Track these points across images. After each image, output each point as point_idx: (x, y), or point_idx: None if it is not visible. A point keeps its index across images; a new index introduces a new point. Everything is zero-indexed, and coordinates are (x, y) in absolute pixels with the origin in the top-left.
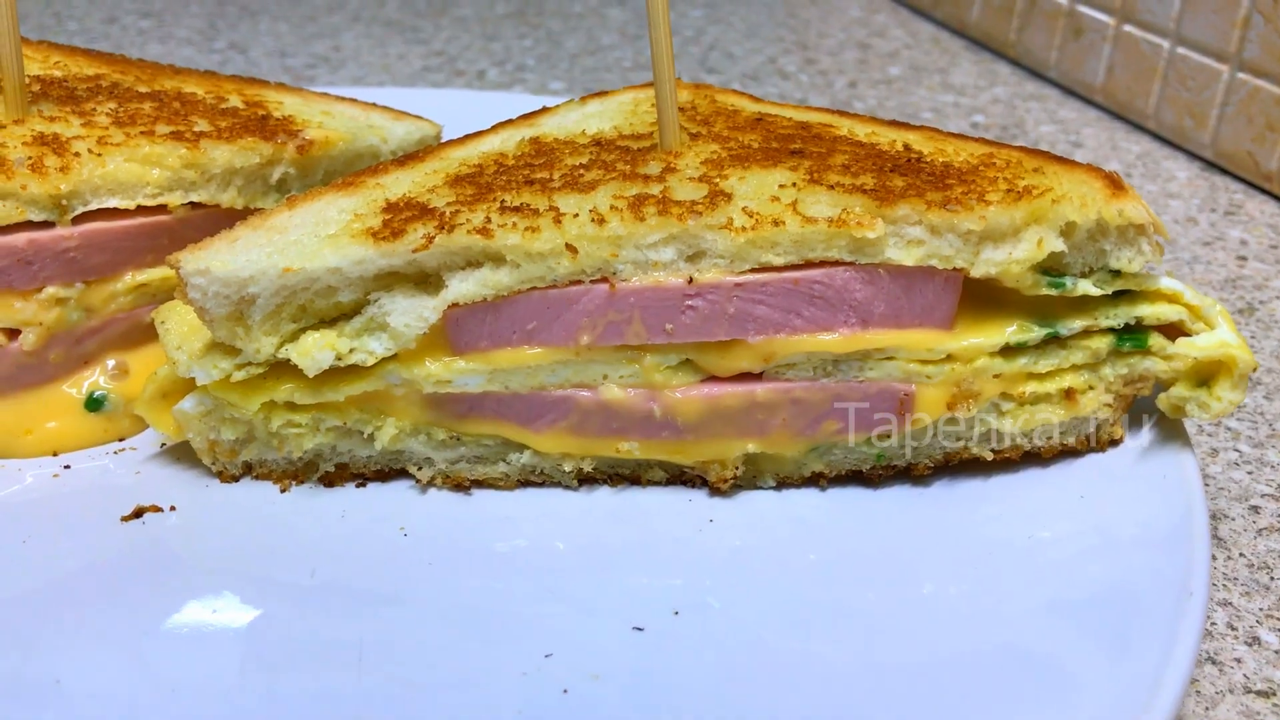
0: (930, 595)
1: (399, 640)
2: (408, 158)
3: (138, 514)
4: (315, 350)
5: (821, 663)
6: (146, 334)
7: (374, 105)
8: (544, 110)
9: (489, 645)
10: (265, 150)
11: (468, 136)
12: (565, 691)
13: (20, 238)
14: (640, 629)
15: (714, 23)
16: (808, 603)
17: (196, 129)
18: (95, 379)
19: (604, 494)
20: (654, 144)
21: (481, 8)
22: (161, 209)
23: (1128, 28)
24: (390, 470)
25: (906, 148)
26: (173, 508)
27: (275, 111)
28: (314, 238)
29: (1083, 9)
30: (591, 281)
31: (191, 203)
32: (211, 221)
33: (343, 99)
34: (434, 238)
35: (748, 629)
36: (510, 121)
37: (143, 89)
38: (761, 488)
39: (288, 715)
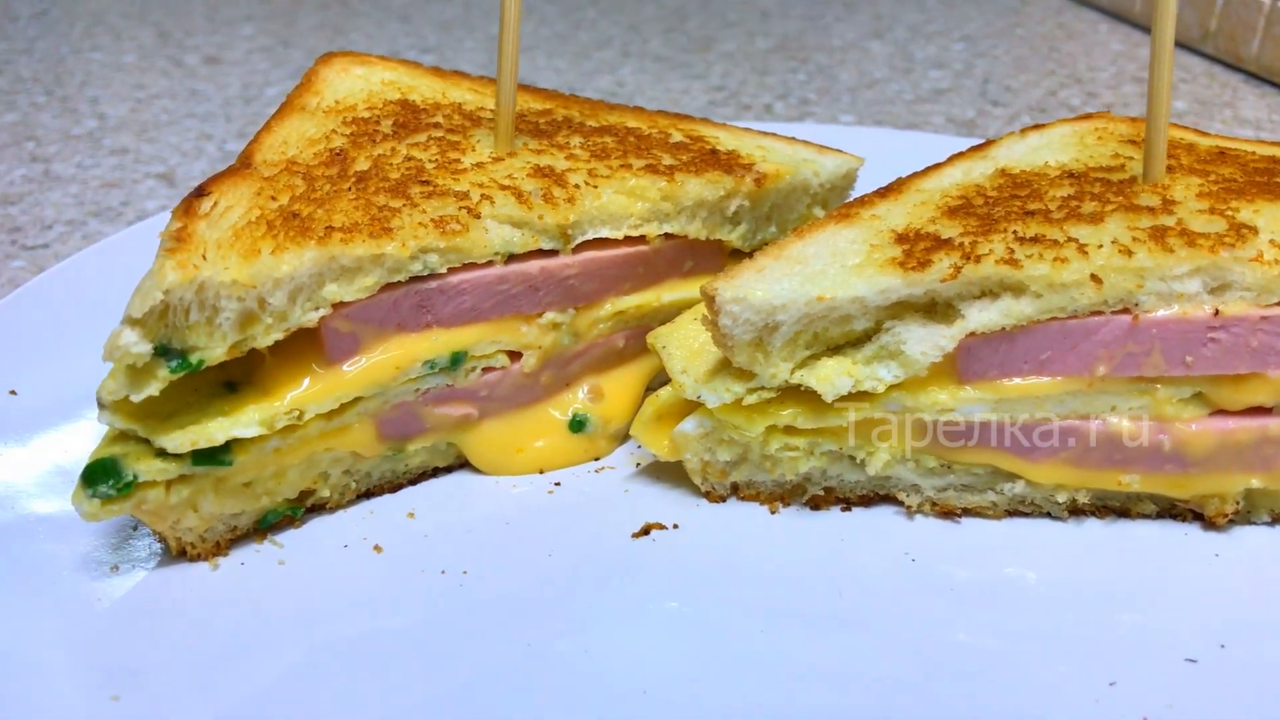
0: None
1: (960, 667)
2: (887, 190)
3: (646, 531)
4: (835, 376)
5: None
6: (618, 359)
7: (795, 139)
8: (988, 143)
9: (1051, 671)
10: (728, 183)
11: (928, 169)
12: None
13: (533, 265)
14: (1193, 660)
15: (979, 56)
16: None
17: (665, 163)
18: (576, 401)
19: (1095, 525)
20: (1130, 176)
21: (743, 42)
22: (641, 239)
23: None
24: (874, 495)
25: None
26: (675, 525)
27: (718, 146)
28: (838, 267)
29: None
30: (1112, 312)
31: (665, 233)
32: (677, 252)
33: (766, 133)
34: (961, 268)
35: None
36: (961, 154)
37: (592, 123)
38: (1255, 523)
39: None
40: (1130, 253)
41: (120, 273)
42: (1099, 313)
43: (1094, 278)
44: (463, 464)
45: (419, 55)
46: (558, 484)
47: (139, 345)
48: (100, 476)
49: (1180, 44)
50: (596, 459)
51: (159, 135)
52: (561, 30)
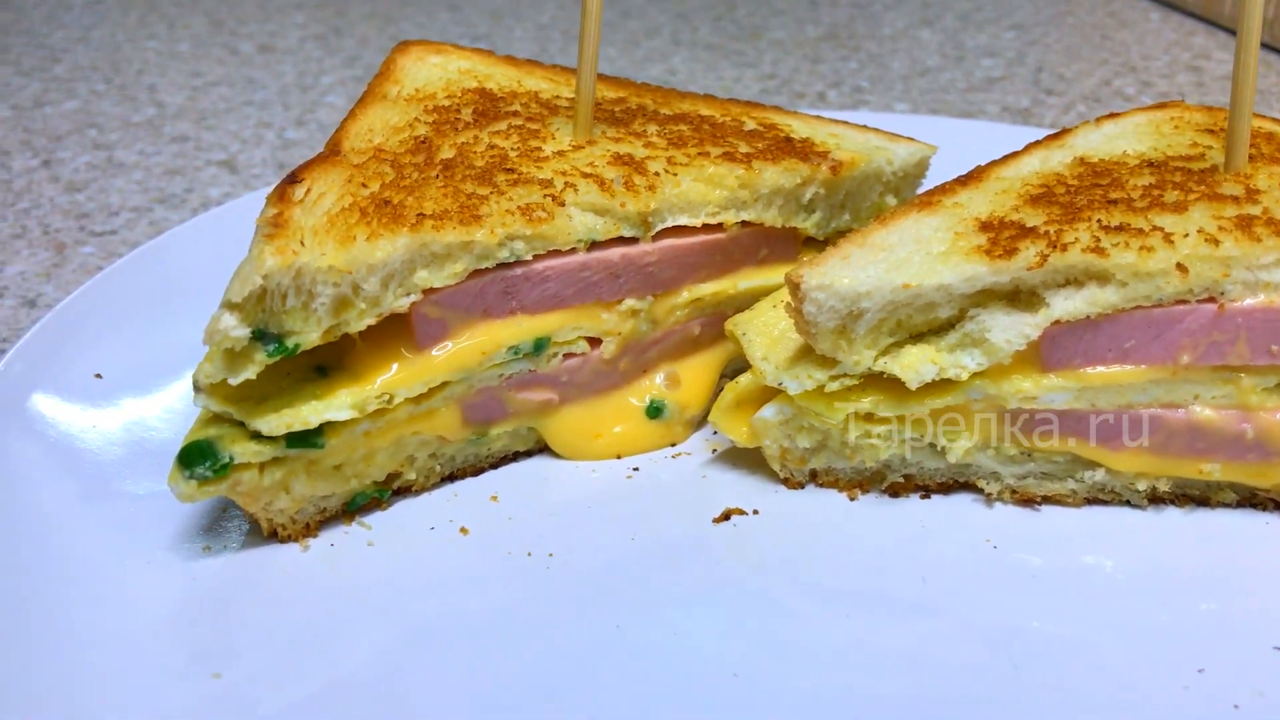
0: None
1: (1045, 653)
2: (966, 178)
3: (726, 516)
4: (919, 364)
5: None
6: (693, 346)
7: (866, 127)
8: (1064, 132)
9: (1138, 658)
10: (804, 171)
11: (1005, 158)
12: (1236, 707)
13: (614, 252)
14: None
15: (1030, 44)
16: None
17: (742, 151)
18: (653, 388)
19: (1174, 514)
20: (1211, 165)
21: (793, 30)
22: (718, 227)
23: None
24: (954, 483)
25: None
26: (755, 511)
27: (792, 134)
28: (924, 255)
29: None
30: (1198, 301)
31: (742, 221)
32: (752, 240)
33: (837, 121)
34: (1047, 257)
35: None
36: (1038, 143)
37: (666, 111)
38: None
39: None
40: (1217, 241)
41: (194, 259)
42: (1184, 301)
43: (1180, 266)
44: (542, 448)
45: (472, 43)
46: (636, 469)
47: (238, 329)
48: (197, 458)
49: (1232, 32)
50: (673, 445)
51: (218, 123)
52: (610, 18)
